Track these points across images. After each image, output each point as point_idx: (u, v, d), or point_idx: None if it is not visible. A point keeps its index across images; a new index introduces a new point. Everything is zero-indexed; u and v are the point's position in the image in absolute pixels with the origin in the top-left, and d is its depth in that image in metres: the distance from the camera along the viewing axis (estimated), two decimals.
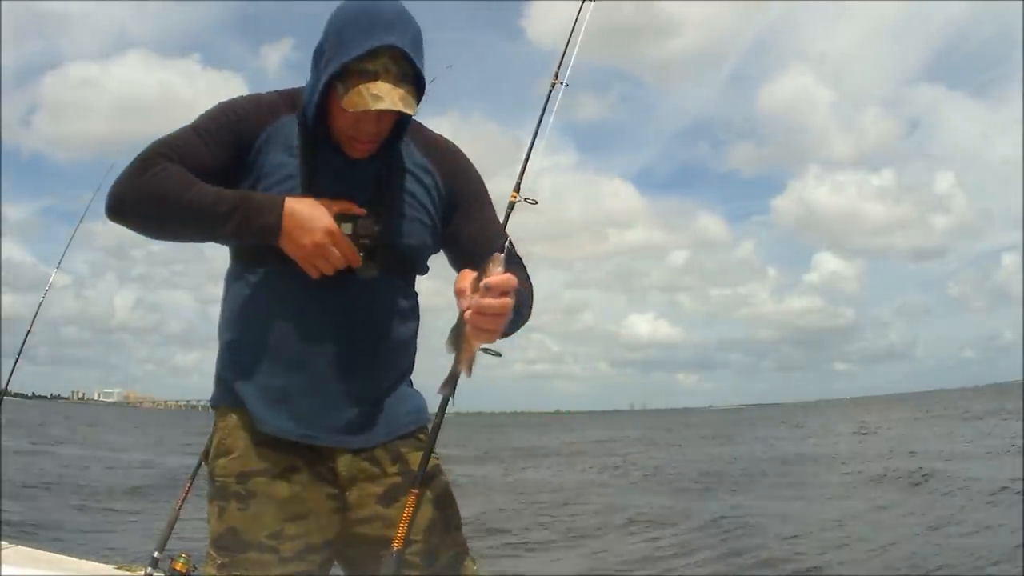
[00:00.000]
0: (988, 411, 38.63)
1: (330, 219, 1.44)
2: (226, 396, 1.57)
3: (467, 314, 1.24)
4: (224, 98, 1.55)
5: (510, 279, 1.22)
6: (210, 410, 1.63)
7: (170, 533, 3.10)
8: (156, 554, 3.04)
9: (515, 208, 1.95)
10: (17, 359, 4.27)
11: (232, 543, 1.49)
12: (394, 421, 1.59)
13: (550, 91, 2.17)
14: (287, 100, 1.56)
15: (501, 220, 1.77)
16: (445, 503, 1.61)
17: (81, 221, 4.65)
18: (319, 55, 1.47)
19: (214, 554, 1.51)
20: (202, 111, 1.55)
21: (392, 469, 1.57)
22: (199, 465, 3.27)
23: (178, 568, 3.02)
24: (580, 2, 2.30)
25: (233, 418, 1.55)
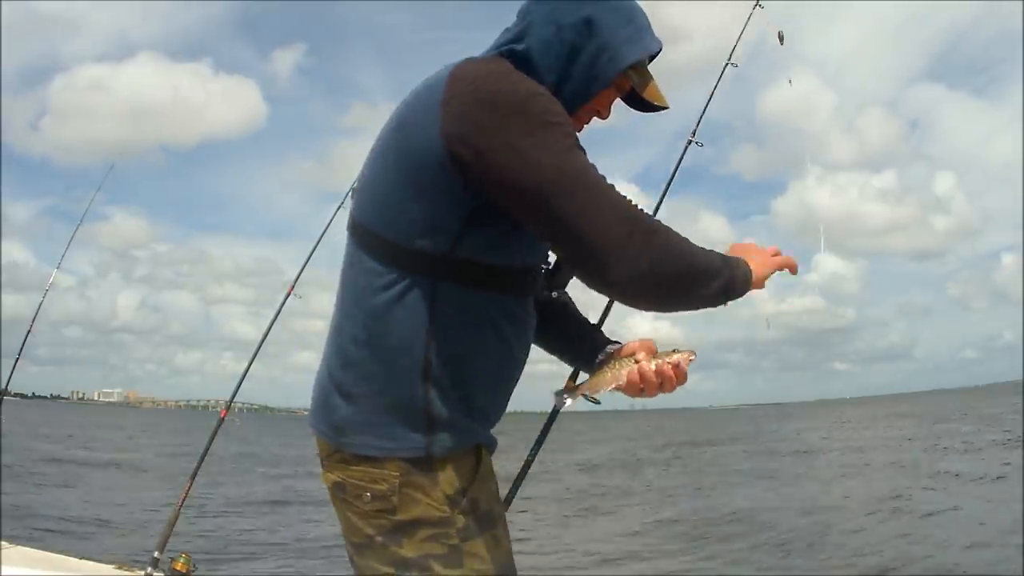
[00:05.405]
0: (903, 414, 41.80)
1: (757, 247, 1.41)
2: (463, 439, 1.32)
3: (643, 363, 1.39)
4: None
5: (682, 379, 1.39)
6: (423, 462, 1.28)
7: (170, 533, 3.11)
8: (156, 554, 3.05)
9: None
10: (17, 359, 4.28)
11: (512, 568, 1.35)
12: None
13: (685, 148, 2.24)
14: None
15: None
16: None
17: (81, 223, 4.69)
18: (590, 27, 1.31)
19: None
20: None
21: None
22: (199, 465, 3.29)
23: (178, 568, 3.03)
24: (722, 68, 2.45)
25: (470, 455, 1.35)
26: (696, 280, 1.23)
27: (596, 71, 1.32)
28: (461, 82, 1.21)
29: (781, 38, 2.52)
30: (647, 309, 1.26)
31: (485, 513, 1.32)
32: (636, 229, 1.16)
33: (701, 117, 2.33)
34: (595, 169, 1.20)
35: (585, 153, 1.22)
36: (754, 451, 24.79)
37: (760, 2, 2.55)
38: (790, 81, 2.83)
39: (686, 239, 1.24)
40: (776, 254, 1.39)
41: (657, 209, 2.08)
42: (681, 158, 2.22)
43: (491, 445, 1.39)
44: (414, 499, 1.26)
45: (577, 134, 1.24)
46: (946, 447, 19.64)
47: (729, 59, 2.46)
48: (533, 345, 1.57)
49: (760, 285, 1.35)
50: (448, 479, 1.28)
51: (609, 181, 1.19)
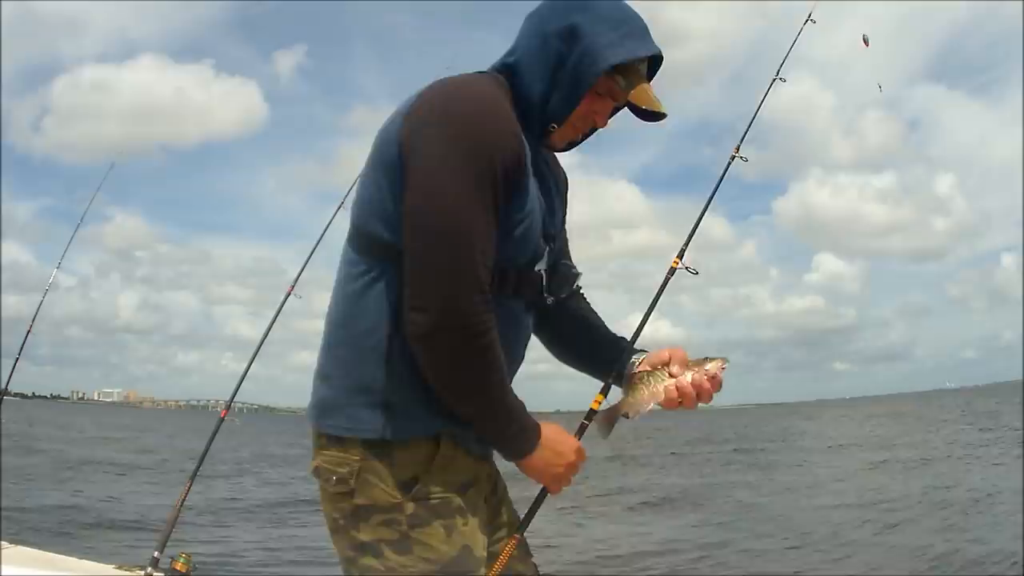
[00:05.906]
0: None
1: (576, 445, 1.41)
2: (418, 427, 1.35)
3: (680, 378, 1.43)
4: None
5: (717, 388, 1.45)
6: (377, 444, 1.33)
7: (170, 533, 3.11)
8: (156, 554, 3.05)
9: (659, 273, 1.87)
10: (17, 359, 4.27)
11: (467, 563, 1.34)
12: None
13: (729, 163, 2.20)
14: (504, 90, 1.37)
15: (659, 285, 1.83)
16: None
17: (81, 223, 4.68)
18: (573, 34, 1.35)
19: None
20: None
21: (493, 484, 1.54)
22: (199, 465, 3.29)
23: (178, 568, 3.02)
24: (770, 82, 2.39)
25: (427, 444, 1.36)
26: (488, 396, 1.29)
27: (578, 74, 1.35)
28: (427, 97, 1.30)
29: (866, 40, 2.60)
30: (425, 369, 1.28)
31: (440, 502, 1.34)
32: (461, 315, 1.22)
33: (746, 132, 2.28)
34: (481, 231, 1.25)
35: (495, 213, 1.26)
36: (758, 450, 24.84)
37: (812, 16, 2.53)
38: (880, 87, 2.90)
39: (501, 378, 1.29)
40: (574, 462, 1.40)
41: (699, 221, 2.03)
42: (724, 172, 2.16)
43: (458, 438, 1.37)
44: (370, 483, 1.32)
45: (499, 192, 1.26)
46: (951, 445, 19.72)
47: (777, 74, 2.43)
48: (544, 349, 1.62)
49: (529, 471, 1.38)
50: (402, 466, 1.33)
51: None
